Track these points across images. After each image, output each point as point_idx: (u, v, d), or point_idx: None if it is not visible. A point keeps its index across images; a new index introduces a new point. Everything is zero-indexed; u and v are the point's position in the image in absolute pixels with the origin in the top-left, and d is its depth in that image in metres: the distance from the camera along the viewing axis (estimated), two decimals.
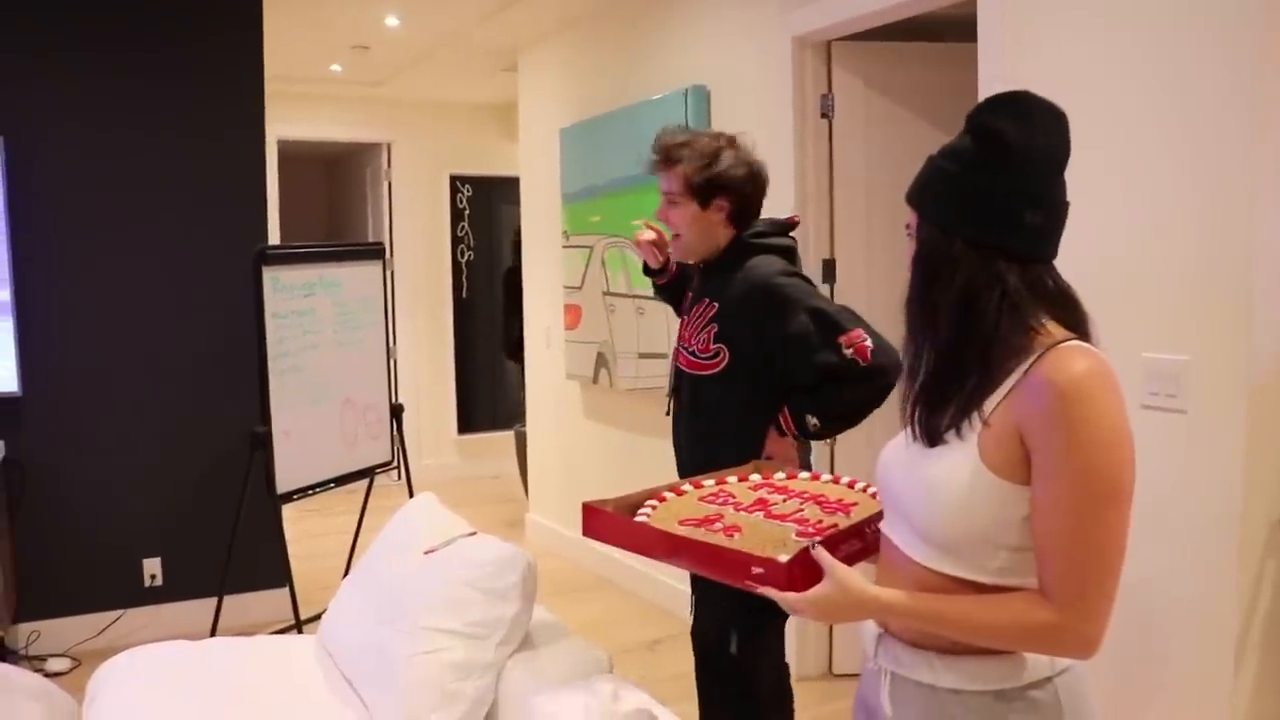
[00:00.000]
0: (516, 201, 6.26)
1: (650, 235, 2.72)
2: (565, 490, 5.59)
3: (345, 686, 2.54)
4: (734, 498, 1.82)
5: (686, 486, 1.89)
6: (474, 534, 2.57)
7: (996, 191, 1.35)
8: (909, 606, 1.36)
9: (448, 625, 2.28)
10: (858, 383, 2.32)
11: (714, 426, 2.50)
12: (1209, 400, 2.32)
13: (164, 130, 4.38)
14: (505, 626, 2.30)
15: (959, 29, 3.25)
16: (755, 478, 1.96)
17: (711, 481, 1.93)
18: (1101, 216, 2.54)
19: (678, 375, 2.61)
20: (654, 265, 2.78)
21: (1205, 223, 2.32)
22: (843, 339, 2.30)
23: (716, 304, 2.49)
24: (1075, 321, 1.38)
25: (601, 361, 4.97)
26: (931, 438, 1.38)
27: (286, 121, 6.59)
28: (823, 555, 1.39)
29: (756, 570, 1.40)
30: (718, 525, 1.65)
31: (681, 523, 1.67)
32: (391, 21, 5.28)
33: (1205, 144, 2.31)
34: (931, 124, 3.69)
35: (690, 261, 2.63)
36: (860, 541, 1.53)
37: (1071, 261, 2.59)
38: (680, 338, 2.60)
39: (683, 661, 3.36)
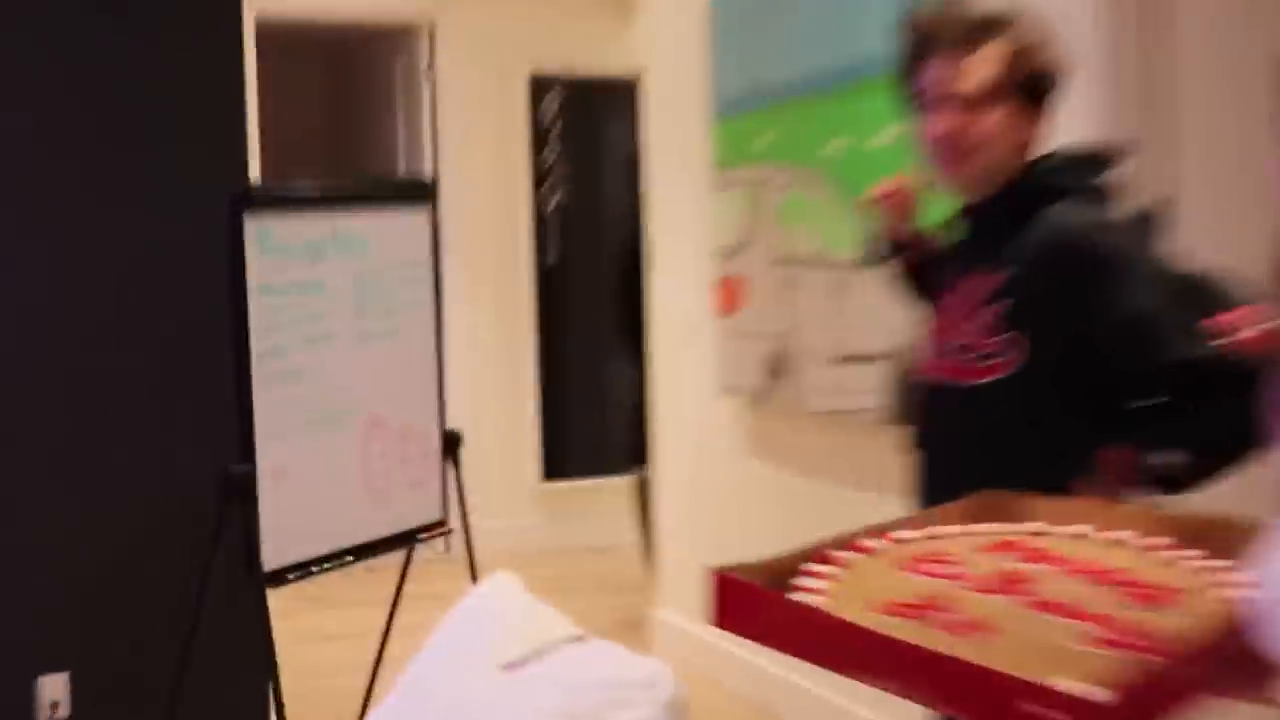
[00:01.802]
0: (633, 117, 6.42)
1: (893, 187, 2.90)
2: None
3: None
4: (959, 564, 1.84)
5: (871, 542, 1.92)
6: (581, 638, 2.49)
7: None
8: None
9: None
10: (1239, 394, 2.20)
11: (1004, 467, 2.42)
12: None
13: (87, 12, 4.34)
14: None
15: None
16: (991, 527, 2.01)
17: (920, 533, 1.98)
18: None
19: (929, 395, 2.73)
20: (898, 237, 2.93)
21: None
22: (1216, 322, 2.37)
23: (999, 273, 2.57)
24: None
25: (778, 367, 4.98)
26: None
27: None
28: None
29: (1029, 708, 1.38)
30: (949, 617, 1.63)
31: (883, 609, 1.66)
32: None
33: None
34: None
35: (973, 199, 2.69)
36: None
37: None
38: (935, 330, 2.73)
39: None
